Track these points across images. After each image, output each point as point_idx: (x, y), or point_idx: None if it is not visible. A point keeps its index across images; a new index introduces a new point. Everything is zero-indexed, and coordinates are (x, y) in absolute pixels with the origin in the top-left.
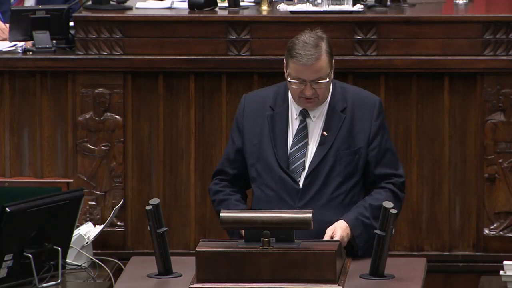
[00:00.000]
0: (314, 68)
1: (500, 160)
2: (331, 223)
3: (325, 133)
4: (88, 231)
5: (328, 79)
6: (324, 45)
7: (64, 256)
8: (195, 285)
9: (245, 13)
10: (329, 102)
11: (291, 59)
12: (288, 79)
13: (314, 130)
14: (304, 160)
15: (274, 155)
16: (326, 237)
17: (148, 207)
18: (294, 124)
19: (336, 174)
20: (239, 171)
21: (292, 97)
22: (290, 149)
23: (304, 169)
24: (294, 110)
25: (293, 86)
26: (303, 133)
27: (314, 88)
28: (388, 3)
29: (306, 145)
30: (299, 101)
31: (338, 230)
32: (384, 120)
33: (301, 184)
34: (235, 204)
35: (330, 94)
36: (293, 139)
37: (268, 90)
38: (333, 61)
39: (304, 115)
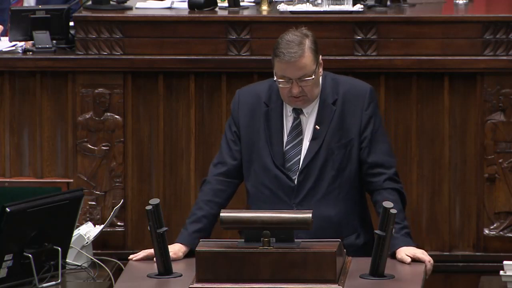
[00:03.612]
0: (298, 65)
1: (500, 160)
2: (329, 218)
3: (318, 127)
4: (88, 231)
5: (313, 76)
6: (308, 42)
7: (64, 256)
8: (195, 285)
9: (245, 13)
10: (320, 96)
11: (275, 58)
12: (275, 78)
13: (308, 126)
14: (300, 157)
15: (269, 153)
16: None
17: (148, 207)
18: (288, 121)
19: (329, 168)
20: (239, 162)
21: (282, 97)
22: (286, 147)
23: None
24: (288, 107)
25: (280, 85)
26: (297, 130)
27: (300, 86)
28: (388, 3)
29: (301, 142)
30: (289, 101)
31: (416, 252)
32: (376, 108)
33: (296, 181)
34: (197, 220)
35: (320, 88)
36: (287, 136)
37: (261, 85)
38: (320, 57)
39: (297, 112)
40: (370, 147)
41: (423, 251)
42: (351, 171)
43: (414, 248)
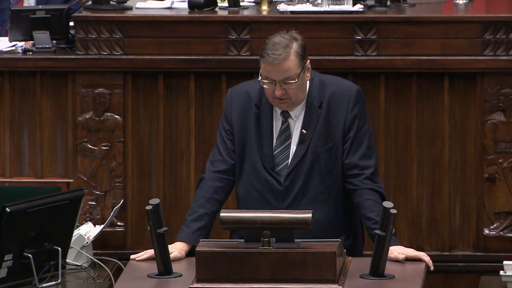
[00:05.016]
0: (282, 68)
1: (500, 160)
2: (318, 221)
3: (304, 131)
4: (88, 231)
5: (297, 80)
6: (295, 46)
7: (64, 256)
8: (195, 285)
9: (245, 13)
10: (307, 99)
11: (261, 59)
12: (259, 79)
13: (296, 130)
14: (288, 162)
15: (260, 156)
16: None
17: (148, 207)
18: (277, 124)
19: (316, 172)
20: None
21: (267, 98)
22: (275, 151)
23: None
24: (277, 110)
25: (265, 86)
26: (285, 134)
27: (284, 88)
28: (388, 3)
29: (289, 146)
30: (273, 102)
31: (407, 251)
32: (362, 109)
33: (283, 185)
34: (199, 218)
35: (307, 91)
36: (276, 140)
37: (253, 84)
38: (307, 62)
39: (285, 116)
40: (350, 148)
41: (412, 249)
42: (338, 173)
43: (403, 247)
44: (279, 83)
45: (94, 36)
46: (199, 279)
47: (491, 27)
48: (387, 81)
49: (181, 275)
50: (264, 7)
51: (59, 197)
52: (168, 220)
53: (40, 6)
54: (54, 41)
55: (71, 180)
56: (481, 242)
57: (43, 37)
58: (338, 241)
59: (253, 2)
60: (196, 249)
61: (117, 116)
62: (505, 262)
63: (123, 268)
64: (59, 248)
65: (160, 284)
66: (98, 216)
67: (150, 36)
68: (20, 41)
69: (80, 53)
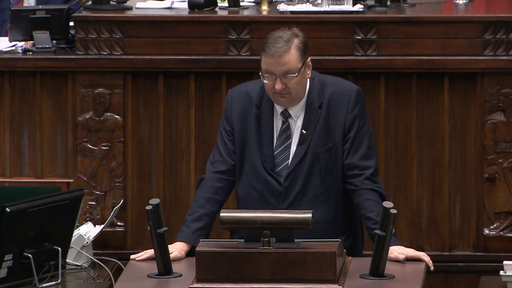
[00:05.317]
0: (282, 61)
1: (500, 160)
2: (318, 221)
3: (304, 132)
4: (88, 231)
5: (297, 74)
6: (296, 41)
7: (64, 256)
8: (195, 285)
9: (245, 13)
10: (307, 99)
11: (262, 53)
12: (260, 73)
13: (296, 130)
14: (288, 162)
15: (260, 156)
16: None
17: (148, 207)
18: (278, 124)
19: (316, 173)
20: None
21: (268, 93)
22: (275, 151)
23: None
24: (278, 110)
25: (265, 81)
26: (286, 134)
27: (284, 82)
28: (388, 3)
29: (289, 146)
30: (274, 98)
31: (407, 251)
32: (362, 109)
33: (283, 186)
34: (199, 218)
35: (307, 91)
36: (276, 140)
37: (254, 85)
38: (308, 59)
39: (285, 115)
40: (350, 149)
41: (412, 249)
42: (338, 173)
43: (403, 247)
44: (279, 77)
45: (94, 36)
46: (199, 279)
47: (491, 27)
48: (387, 81)
49: (181, 275)
50: (264, 7)
51: (59, 197)
52: (168, 220)
53: (40, 6)
54: (54, 41)
55: (71, 180)
56: (481, 242)
57: (43, 37)
58: (338, 241)
59: (253, 2)
60: (196, 249)
61: (117, 116)
62: (505, 262)
63: (123, 268)
64: (59, 248)
65: (160, 284)
66: (98, 216)
67: (150, 36)
68: (20, 41)
69: (80, 53)
